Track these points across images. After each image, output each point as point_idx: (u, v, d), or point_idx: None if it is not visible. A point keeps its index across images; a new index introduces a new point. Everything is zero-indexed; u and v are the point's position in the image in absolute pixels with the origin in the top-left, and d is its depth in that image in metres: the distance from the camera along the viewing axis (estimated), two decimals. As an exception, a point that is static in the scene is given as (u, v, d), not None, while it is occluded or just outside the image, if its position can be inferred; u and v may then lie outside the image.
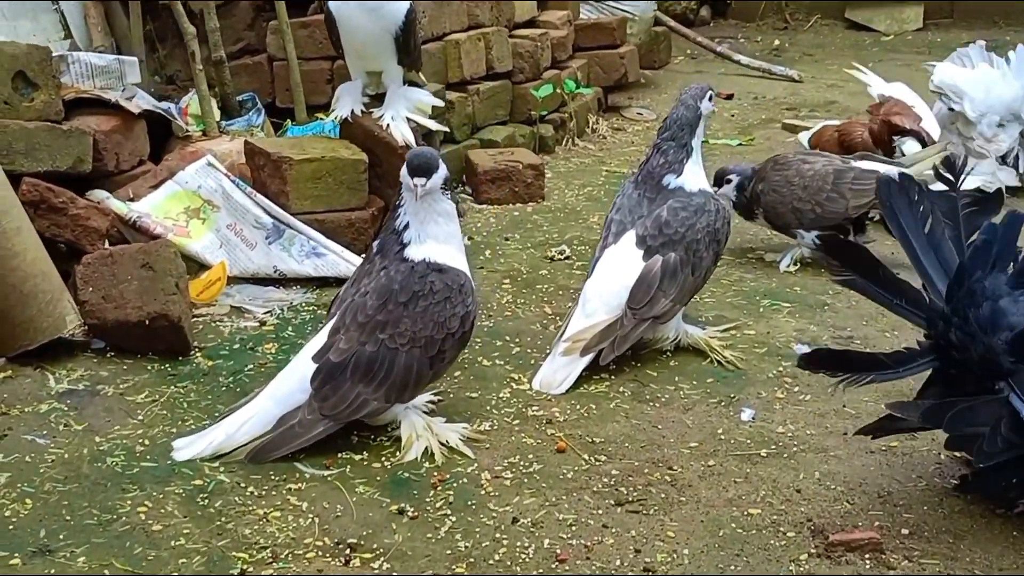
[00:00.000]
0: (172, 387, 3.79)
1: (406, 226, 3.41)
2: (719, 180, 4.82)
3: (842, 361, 3.10)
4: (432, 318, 3.33)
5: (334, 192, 4.93)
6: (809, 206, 4.72)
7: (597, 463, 3.30)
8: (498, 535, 2.94)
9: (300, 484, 3.20)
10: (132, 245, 4.11)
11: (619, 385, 3.79)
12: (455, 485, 3.19)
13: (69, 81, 5.01)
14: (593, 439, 3.43)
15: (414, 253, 3.38)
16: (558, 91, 7.04)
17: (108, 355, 4.01)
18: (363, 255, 4.64)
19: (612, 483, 3.19)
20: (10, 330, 3.85)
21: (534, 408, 3.63)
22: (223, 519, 3.01)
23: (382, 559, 2.84)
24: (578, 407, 3.63)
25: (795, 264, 4.86)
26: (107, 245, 4.43)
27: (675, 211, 3.93)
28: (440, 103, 5.22)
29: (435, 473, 3.25)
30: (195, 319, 4.35)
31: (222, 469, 3.26)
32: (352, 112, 5.12)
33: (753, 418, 3.57)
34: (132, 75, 5.27)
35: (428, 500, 3.11)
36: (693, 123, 4.02)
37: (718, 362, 3.95)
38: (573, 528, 2.97)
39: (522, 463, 3.30)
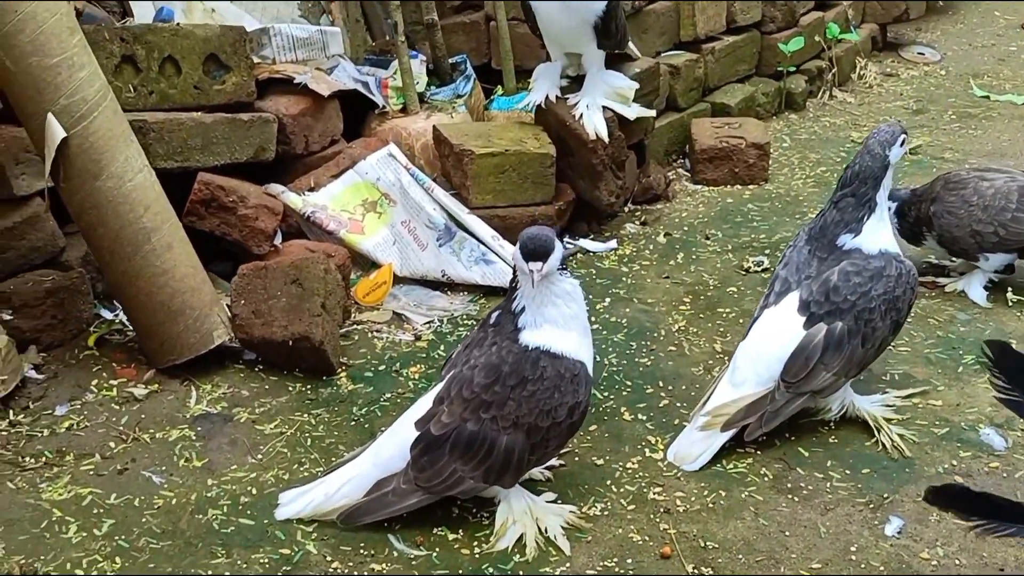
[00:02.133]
0: (305, 414, 3.75)
1: (522, 309, 3.13)
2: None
3: (979, 504, 2.64)
4: (539, 405, 3.09)
5: (517, 186, 4.69)
6: (991, 228, 4.12)
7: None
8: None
9: (385, 565, 3.08)
10: (284, 259, 4.04)
11: (762, 464, 3.42)
12: (535, 592, 2.94)
13: (270, 54, 4.97)
14: (707, 542, 3.12)
15: (529, 338, 3.13)
16: (817, 39, 6.41)
17: (256, 369, 4.00)
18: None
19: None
20: (158, 346, 3.90)
21: (656, 489, 3.35)
22: (296, 605, 2.91)
23: None
24: (705, 492, 3.32)
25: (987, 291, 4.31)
26: (279, 243, 4.40)
27: (847, 275, 3.46)
28: (636, 85, 4.80)
29: (519, 572, 3.02)
30: (355, 326, 4.29)
31: (314, 536, 3.20)
32: (547, 98, 4.80)
33: (899, 532, 3.14)
34: (335, 46, 5.17)
35: (503, 609, 2.90)
36: (878, 175, 3.50)
37: (884, 445, 3.46)
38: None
39: (619, 568, 3.04)
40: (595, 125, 4.65)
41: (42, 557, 3.11)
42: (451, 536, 3.19)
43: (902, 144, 3.52)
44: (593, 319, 4.25)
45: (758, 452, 3.49)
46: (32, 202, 4.02)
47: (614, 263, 4.71)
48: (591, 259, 4.78)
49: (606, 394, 3.81)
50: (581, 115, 4.69)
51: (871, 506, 3.23)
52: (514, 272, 3.16)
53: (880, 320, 3.45)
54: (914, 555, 3.04)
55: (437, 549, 3.14)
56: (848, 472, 3.38)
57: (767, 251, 4.74)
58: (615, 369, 3.94)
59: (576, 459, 3.51)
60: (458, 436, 3.11)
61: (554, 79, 4.84)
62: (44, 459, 3.54)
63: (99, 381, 3.92)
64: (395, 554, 3.12)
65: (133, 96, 4.42)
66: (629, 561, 3.07)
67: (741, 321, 4.21)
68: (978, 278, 4.30)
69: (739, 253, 4.75)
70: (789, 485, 3.34)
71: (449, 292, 4.52)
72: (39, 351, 4.02)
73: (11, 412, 3.75)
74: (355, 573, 3.07)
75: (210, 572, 3.08)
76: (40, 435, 3.66)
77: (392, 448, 3.22)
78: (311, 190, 4.61)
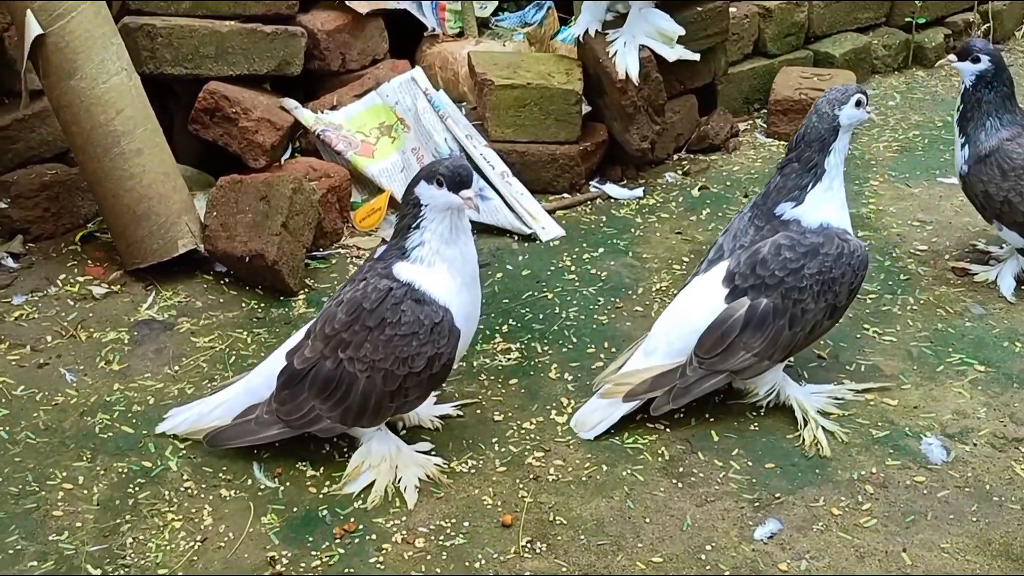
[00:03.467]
0: (245, 332, 3.75)
1: (419, 244, 2.99)
2: (964, 52, 3.71)
3: None
4: (395, 351, 2.95)
5: (540, 122, 4.49)
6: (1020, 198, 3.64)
7: (529, 555, 2.80)
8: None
9: (233, 492, 3.05)
10: (259, 176, 4.02)
11: (664, 443, 3.18)
12: (355, 543, 2.85)
13: (327, -34, 4.90)
14: (557, 517, 2.92)
15: (403, 272, 2.97)
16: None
17: (223, 282, 4.03)
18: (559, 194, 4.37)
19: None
20: (125, 248, 3.98)
21: (538, 454, 3.17)
22: (129, 518, 2.94)
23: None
24: (586, 464, 3.11)
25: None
26: (286, 158, 4.39)
27: (778, 249, 3.13)
28: (682, 31, 4.47)
29: (349, 520, 2.92)
30: (340, 250, 4.23)
31: (182, 453, 3.20)
32: (587, 32, 4.55)
33: (770, 537, 2.85)
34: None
35: (315, 554, 2.82)
36: (825, 137, 3.12)
37: (804, 440, 3.15)
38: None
39: (451, 530, 2.89)
40: (626, 64, 4.38)
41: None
42: (310, 472, 3.11)
43: (857, 104, 3.11)
44: (573, 268, 4.03)
45: (667, 429, 3.23)
46: (44, 97, 4.09)
47: (631, 212, 4.44)
48: (608, 205, 4.53)
49: (544, 348, 3.61)
50: (615, 52, 4.39)
51: (756, 504, 2.94)
52: (412, 206, 2.97)
53: (812, 301, 3.11)
54: (772, 564, 2.76)
55: (288, 483, 3.07)
56: (750, 464, 3.09)
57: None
58: (569, 324, 3.74)
59: (478, 412, 3.35)
60: (316, 373, 3.02)
61: (597, 13, 4.59)
62: (-16, 343, 3.64)
63: (67, 276, 4.01)
64: (249, 482, 3.08)
65: (165, 1, 4.43)
66: (467, 524, 2.91)
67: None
68: (1012, 266, 3.80)
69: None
70: (680, 469, 3.08)
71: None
72: (26, 242, 4.14)
73: (-33, 296, 3.87)
74: (200, 494, 3.01)
75: (64, 474, 3.09)
76: (-12, 320, 3.76)
77: (262, 376, 3.16)
78: (332, 108, 4.54)
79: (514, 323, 3.76)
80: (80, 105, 3.83)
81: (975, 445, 3.12)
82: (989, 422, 3.21)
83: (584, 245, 4.18)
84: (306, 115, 4.46)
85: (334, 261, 4.18)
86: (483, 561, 2.78)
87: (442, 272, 2.96)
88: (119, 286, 3.98)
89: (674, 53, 4.47)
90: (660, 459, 3.12)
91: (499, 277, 4.03)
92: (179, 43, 4.30)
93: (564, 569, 2.75)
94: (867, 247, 3.21)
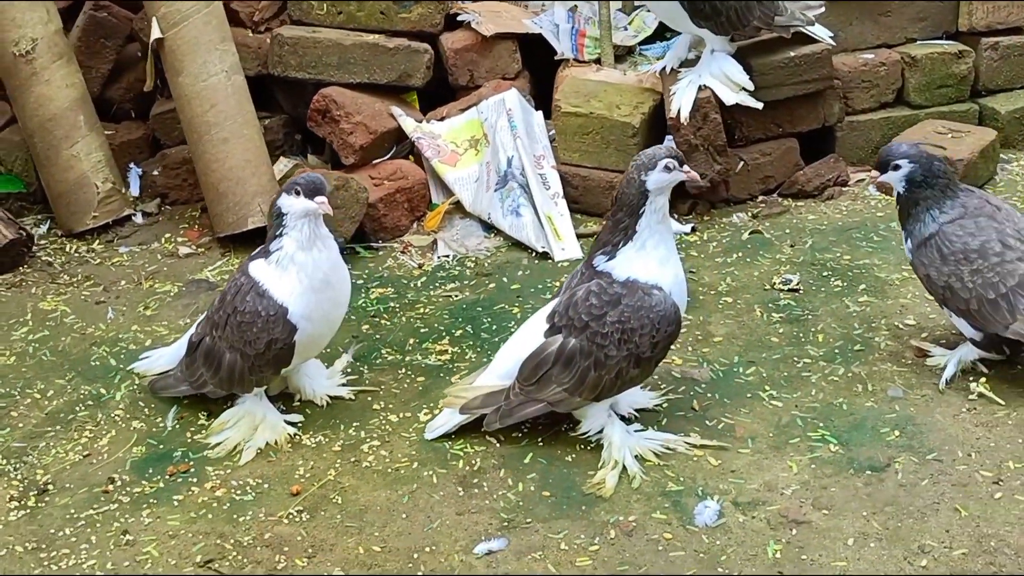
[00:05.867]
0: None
1: (279, 248, 3.51)
2: (882, 165, 3.55)
3: None
4: (241, 335, 3.52)
5: (601, 150, 4.79)
6: (969, 292, 3.46)
7: (287, 521, 3.27)
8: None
9: (138, 424, 3.74)
10: (339, 175, 4.66)
11: (480, 456, 3.46)
12: (175, 481, 3.44)
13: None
14: (336, 498, 3.34)
15: (255, 270, 3.55)
16: None
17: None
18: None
19: (247, 543, 3.18)
20: (212, 218, 4.82)
21: (375, 443, 3.56)
22: (57, 430, 3.70)
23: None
24: (401, 460, 3.47)
25: (956, 377, 3.61)
26: (387, 158, 5.02)
27: (588, 295, 3.32)
28: (751, 86, 4.56)
29: (186, 462, 3.54)
30: (396, 244, 4.81)
31: (133, 388, 3.94)
32: (664, 68, 4.79)
33: (486, 553, 3.13)
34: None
35: (144, 483, 3.46)
36: (634, 202, 3.25)
37: (594, 481, 3.36)
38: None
39: (248, 488, 3.40)
40: (679, 103, 4.54)
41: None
42: (201, 421, 3.73)
43: (666, 169, 3.21)
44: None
45: (497, 444, 3.51)
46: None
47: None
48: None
49: (473, 356, 3.96)
50: (674, 91, 4.59)
51: (504, 524, 3.19)
52: (277, 216, 3.53)
53: (614, 348, 3.28)
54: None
55: (179, 427, 3.71)
56: (532, 490, 3.31)
57: (830, 273, 4.32)
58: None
59: (368, 399, 3.78)
60: (200, 347, 3.65)
61: (680, 51, 4.76)
62: (72, 278, 4.64)
63: (171, 236, 4.92)
64: (158, 420, 3.75)
65: (323, 14, 5.22)
66: (265, 486, 3.41)
67: (685, 332, 4.02)
68: (959, 354, 3.61)
69: (796, 268, 4.39)
70: (475, 480, 3.35)
71: (493, 236, 4.79)
72: (162, 204, 5.10)
73: (96, 239, 4.89)
74: (118, 422, 3.74)
75: (42, 386, 3.96)
76: (91, 261, 4.77)
77: (184, 339, 3.83)
78: (441, 119, 5.10)
79: (470, 330, 4.13)
80: (184, 98, 4.68)
81: (752, 519, 3.13)
82: (788, 500, 3.18)
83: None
84: (408, 123, 5.03)
85: (380, 253, 4.74)
86: (246, 516, 3.27)
87: (291, 274, 3.46)
88: (204, 249, 4.80)
89: (734, 97, 4.53)
90: (467, 468, 3.41)
91: (490, 287, 4.40)
92: (303, 51, 5.02)
93: (300, 538, 3.17)
94: (671, 304, 3.26)
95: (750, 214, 4.78)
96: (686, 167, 3.21)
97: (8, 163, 5.09)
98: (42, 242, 4.90)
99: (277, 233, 3.45)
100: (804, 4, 4.70)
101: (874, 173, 3.59)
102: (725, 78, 4.54)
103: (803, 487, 3.20)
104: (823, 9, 4.77)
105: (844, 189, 4.91)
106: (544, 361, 3.33)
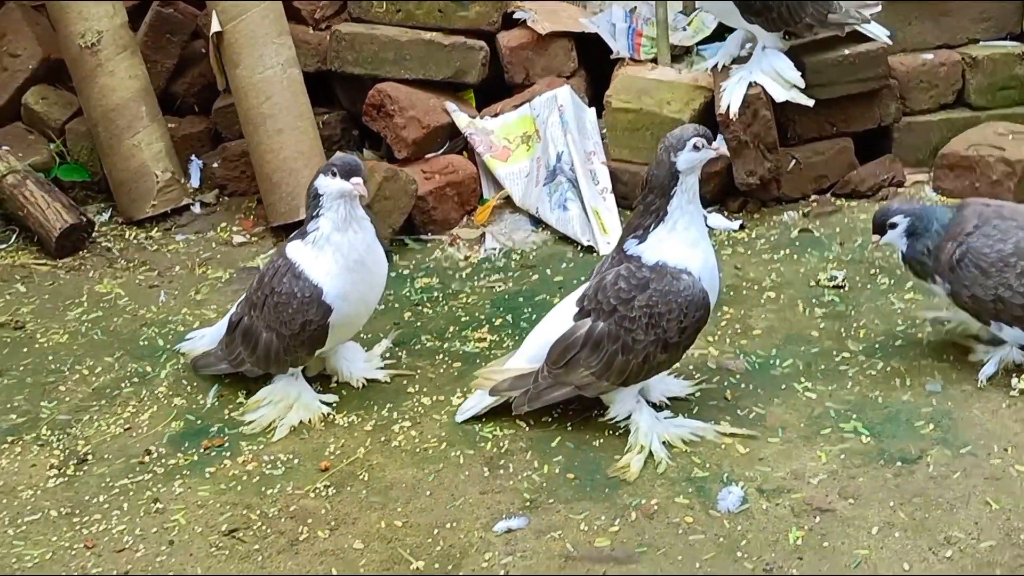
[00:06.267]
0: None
1: (316, 228, 3.56)
2: (879, 227, 3.50)
3: None
4: (277, 315, 3.58)
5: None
6: (1022, 297, 3.38)
7: (312, 495, 3.31)
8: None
9: (179, 401, 3.83)
10: (370, 163, 4.74)
11: (509, 438, 3.47)
12: (210, 455, 3.50)
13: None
14: (363, 475, 3.36)
15: (292, 251, 3.60)
16: None
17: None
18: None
19: (272, 515, 3.22)
20: (266, 207, 4.92)
21: (406, 424, 3.59)
22: (102, 404, 3.80)
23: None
24: (430, 440, 3.49)
25: (999, 374, 3.52)
26: (438, 152, 5.07)
27: (617, 279, 3.32)
28: (802, 83, 4.53)
29: (221, 436, 3.60)
30: (445, 237, 4.86)
31: (178, 367, 4.03)
32: (716, 64, 4.79)
33: (506, 531, 3.12)
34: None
35: (179, 455, 3.54)
36: (665, 184, 3.24)
37: (617, 464, 3.36)
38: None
39: (279, 463, 3.45)
40: (729, 98, 4.53)
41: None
42: (239, 400, 3.79)
43: (695, 148, 3.20)
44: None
45: (526, 428, 3.52)
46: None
47: (712, 242, 4.57)
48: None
49: (511, 344, 3.97)
50: (723, 87, 4.58)
51: (526, 504, 3.19)
52: (313, 198, 3.59)
53: (642, 332, 3.27)
54: (481, 552, 3.05)
55: (218, 404, 3.78)
56: (557, 472, 3.30)
57: (878, 271, 4.27)
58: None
59: (404, 382, 3.82)
60: (239, 326, 3.72)
61: (732, 48, 4.75)
62: (128, 263, 4.76)
63: (227, 225, 5.02)
64: (199, 399, 3.83)
65: (383, 11, 5.31)
66: (295, 461, 3.46)
67: (724, 325, 4.01)
68: (1001, 354, 3.52)
69: (843, 265, 4.34)
70: (501, 462, 3.35)
71: (540, 230, 4.82)
72: (220, 195, 5.21)
73: (155, 227, 5.01)
74: (161, 399, 3.84)
75: (91, 363, 4.07)
76: (148, 248, 4.89)
77: (225, 319, 3.91)
78: (495, 116, 5.15)
79: (510, 319, 4.15)
80: (241, 89, 4.78)
81: (776, 505, 3.09)
82: (814, 489, 3.14)
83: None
84: (461, 118, 5.07)
85: (428, 245, 4.78)
86: (274, 489, 3.32)
87: (327, 255, 3.51)
88: (256, 238, 4.89)
89: (785, 94, 4.50)
90: (495, 449, 3.42)
91: (533, 279, 4.42)
92: (360, 47, 5.10)
93: (324, 511, 3.21)
94: (699, 289, 3.24)
95: (801, 212, 4.73)
96: (716, 143, 3.19)
97: (75, 153, 5.24)
98: (103, 229, 5.03)
99: (313, 214, 3.50)
100: (860, 3, 4.66)
101: (875, 238, 3.53)
102: (776, 75, 4.51)
103: (830, 476, 3.16)
104: (879, 8, 4.73)
105: (899, 190, 4.84)
106: (572, 345, 3.33)
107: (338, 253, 3.48)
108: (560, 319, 3.43)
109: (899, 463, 3.19)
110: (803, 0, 4.43)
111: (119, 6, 4.87)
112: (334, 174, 3.44)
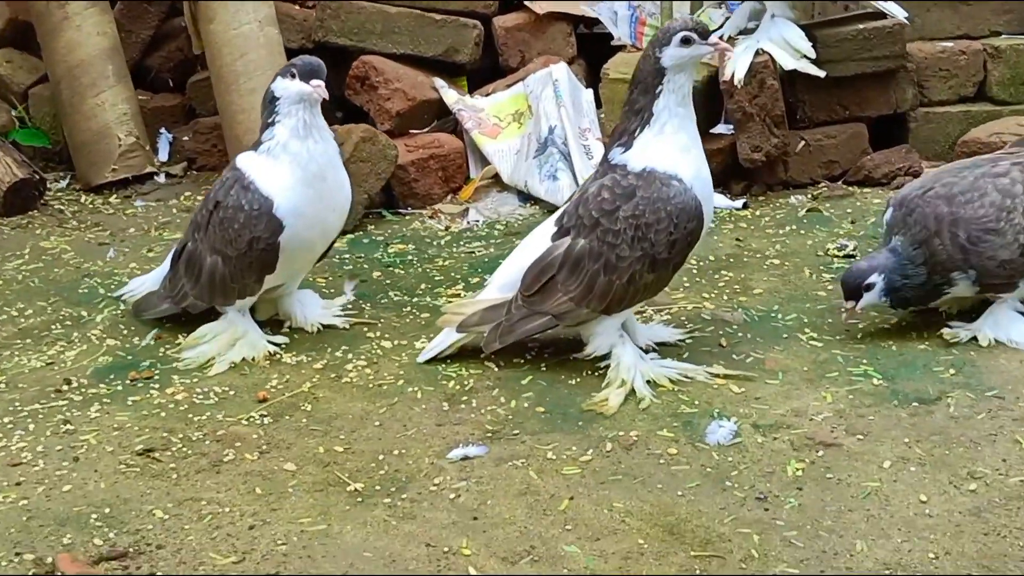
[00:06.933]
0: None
1: (272, 136, 3.22)
2: (853, 292, 3.07)
3: None
4: (223, 233, 3.22)
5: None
6: None
7: (246, 423, 2.92)
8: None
9: (113, 341, 3.45)
10: (351, 126, 4.40)
11: (475, 377, 3.09)
12: (135, 386, 3.13)
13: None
14: (306, 406, 2.98)
15: (243, 161, 3.26)
16: None
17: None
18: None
19: (196, 438, 2.83)
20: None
21: (361, 363, 3.22)
22: (29, 343, 3.43)
23: None
24: (385, 377, 3.12)
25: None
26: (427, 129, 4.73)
27: (600, 189, 2.96)
28: (812, 53, 4.22)
29: (149, 370, 3.22)
30: (425, 211, 4.50)
31: (116, 311, 3.65)
32: (723, 35, 4.48)
33: (461, 458, 2.72)
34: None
35: (102, 386, 3.14)
36: (649, 81, 2.90)
37: (595, 398, 2.95)
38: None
39: (213, 394, 3.07)
40: (734, 66, 4.21)
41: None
42: (177, 341, 3.38)
43: (684, 43, 2.85)
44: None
45: (496, 368, 3.14)
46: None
47: (714, 219, 4.21)
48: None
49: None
50: (729, 54, 4.26)
51: (488, 435, 2.80)
52: (270, 102, 3.25)
53: (627, 248, 2.89)
54: (431, 477, 2.64)
55: (155, 344, 3.39)
56: (526, 407, 2.92)
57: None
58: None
59: (364, 329, 3.46)
60: (183, 253, 3.36)
61: (738, 20, 4.46)
62: (80, 224, 4.41)
63: (192, 195, 4.68)
64: (135, 340, 3.44)
65: (374, -10, 5.01)
66: (231, 393, 3.08)
67: (723, 286, 3.63)
68: (1010, 313, 3.14)
69: (854, 239, 3.97)
70: (463, 399, 2.98)
71: (529, 205, 4.47)
72: (189, 168, 4.88)
73: (114, 194, 4.67)
74: (94, 340, 3.44)
75: (23, 306, 3.69)
76: (103, 211, 4.54)
77: (167, 259, 3.53)
78: (487, 95, 4.83)
79: (488, 278, 3.76)
80: (214, 45, 4.49)
81: (773, 439, 2.69)
82: (815, 425, 2.73)
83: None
84: (450, 94, 4.76)
85: (407, 218, 4.42)
86: (202, 417, 2.91)
87: (282, 165, 3.15)
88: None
89: (794, 63, 4.19)
90: (457, 387, 3.03)
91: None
92: (346, 16, 4.81)
93: (256, 436, 2.81)
94: (691, 196, 2.87)
95: (810, 195, 4.37)
96: (712, 38, 2.84)
97: (37, 119, 4.94)
98: (58, 195, 4.68)
99: (269, 121, 3.16)
100: (876, -20, 4.36)
101: (847, 305, 3.09)
102: (785, 43, 4.22)
103: (837, 415, 2.76)
104: (897, -14, 4.42)
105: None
106: (549, 266, 2.96)
107: (295, 163, 3.12)
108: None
109: (915, 403, 2.80)
110: (815, -37, 4.12)
111: (93, -43, 4.59)
112: (293, 76, 3.10)
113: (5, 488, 2.59)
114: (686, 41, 2.81)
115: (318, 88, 3.07)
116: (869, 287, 3.02)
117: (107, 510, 2.49)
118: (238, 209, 3.12)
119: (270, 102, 3.15)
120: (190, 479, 2.62)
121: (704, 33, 2.84)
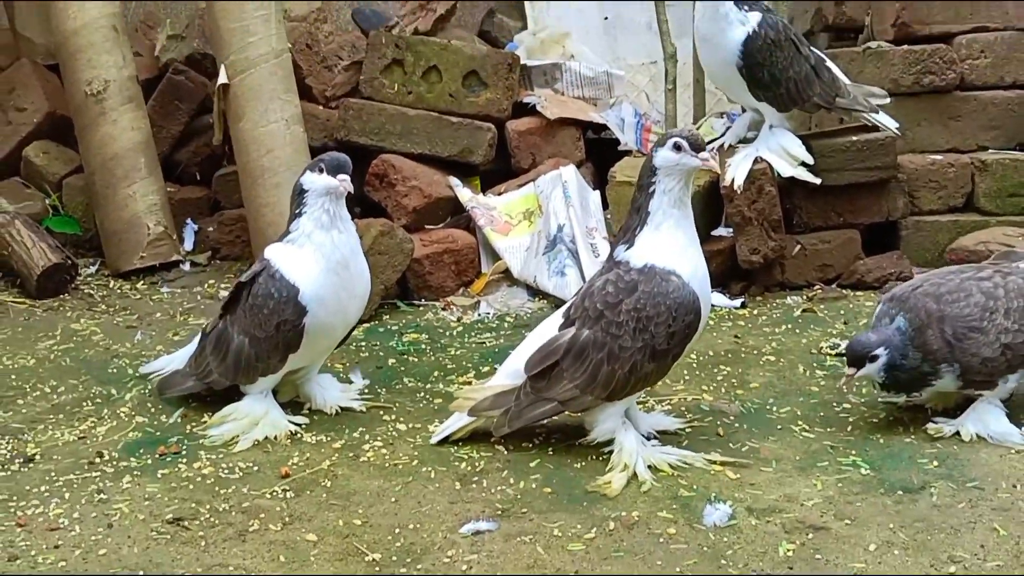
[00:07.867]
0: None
1: (298, 227, 3.46)
2: (857, 361, 3.25)
3: None
4: (254, 316, 3.43)
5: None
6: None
7: (269, 497, 3.09)
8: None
9: (141, 419, 3.62)
10: (370, 220, 4.64)
11: (486, 460, 3.25)
12: (164, 460, 3.29)
13: (561, 87, 5.54)
14: (325, 482, 3.15)
15: (271, 252, 3.49)
16: None
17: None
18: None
19: (223, 509, 2.99)
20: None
21: (378, 444, 3.39)
22: (60, 418, 3.60)
23: None
24: (400, 458, 3.29)
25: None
26: (442, 224, 4.98)
27: (604, 284, 3.18)
28: (810, 160, 4.47)
29: (176, 444, 3.40)
30: (439, 302, 4.71)
31: (143, 389, 3.85)
32: (724, 143, 4.74)
33: (473, 533, 2.89)
34: (619, 89, 5.54)
35: (133, 460, 3.32)
36: (645, 178, 3.13)
37: (599, 480, 3.13)
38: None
39: (238, 469, 3.23)
40: (734, 172, 4.46)
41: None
42: (204, 419, 3.59)
43: (675, 148, 3.09)
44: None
45: (506, 451, 3.32)
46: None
47: (712, 317, 4.44)
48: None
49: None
50: (728, 162, 4.52)
51: (498, 512, 2.97)
52: (298, 195, 3.49)
53: (629, 339, 3.10)
54: (427, 549, 2.81)
55: (181, 421, 3.58)
56: (534, 487, 3.09)
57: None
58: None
59: (380, 413, 3.63)
60: (213, 333, 3.57)
61: (738, 129, 4.71)
62: (108, 307, 4.63)
63: (215, 283, 4.90)
64: (163, 418, 3.63)
65: (394, 92, 5.30)
66: (255, 468, 3.24)
67: (721, 380, 3.83)
68: (992, 410, 3.33)
69: (847, 339, 4.16)
70: (475, 479, 3.15)
71: (538, 299, 4.68)
72: (213, 258, 5.11)
73: (141, 280, 4.89)
74: (123, 416, 3.63)
75: (55, 383, 3.89)
76: (131, 296, 4.76)
77: (193, 342, 3.75)
78: (499, 194, 5.08)
79: (498, 367, 3.96)
80: (242, 143, 4.74)
81: (766, 522, 2.86)
82: (806, 510, 2.90)
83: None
84: (464, 192, 5.01)
85: (421, 309, 4.64)
86: (228, 490, 3.09)
87: (306, 254, 3.38)
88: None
89: (791, 170, 4.44)
90: (469, 468, 3.20)
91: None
92: (367, 117, 5.08)
93: (279, 509, 2.98)
94: (689, 291, 3.08)
95: (805, 297, 4.59)
96: (704, 154, 3.07)
97: (70, 208, 5.17)
98: (88, 279, 4.90)
99: (297, 212, 3.38)
100: (868, 91, 4.63)
101: (848, 371, 3.26)
102: (783, 151, 4.46)
103: (826, 501, 2.93)
104: (888, 100, 4.69)
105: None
106: (553, 352, 3.16)
107: (319, 252, 3.34)
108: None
109: (900, 492, 2.97)
110: (811, 77, 4.39)
111: (129, 58, 4.89)
112: (321, 170, 3.34)
113: (44, 551, 2.75)
114: (677, 147, 3.04)
115: (344, 182, 3.31)
116: (874, 359, 3.20)
117: (140, 573, 2.65)
118: (267, 297, 3.34)
119: (299, 194, 3.38)
120: (218, 546, 2.78)
121: (697, 146, 3.06)
